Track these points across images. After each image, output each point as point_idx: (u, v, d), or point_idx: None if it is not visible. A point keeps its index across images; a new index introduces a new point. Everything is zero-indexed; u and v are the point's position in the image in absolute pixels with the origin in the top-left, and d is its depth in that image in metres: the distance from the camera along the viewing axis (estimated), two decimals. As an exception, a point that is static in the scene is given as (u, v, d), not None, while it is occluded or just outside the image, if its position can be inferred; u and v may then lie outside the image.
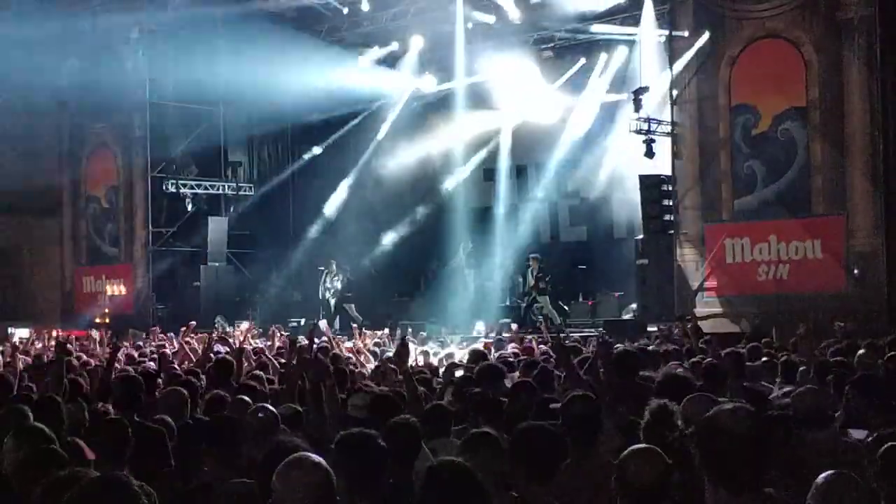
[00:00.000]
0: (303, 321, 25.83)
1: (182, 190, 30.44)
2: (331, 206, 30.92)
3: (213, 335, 16.59)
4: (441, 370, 12.54)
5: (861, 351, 11.28)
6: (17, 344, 17.59)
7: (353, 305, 27.97)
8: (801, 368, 10.11)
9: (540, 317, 24.63)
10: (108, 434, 6.56)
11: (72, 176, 33.63)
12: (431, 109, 30.91)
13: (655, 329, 19.99)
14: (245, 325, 23.82)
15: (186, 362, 13.60)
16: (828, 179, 21.57)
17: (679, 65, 23.38)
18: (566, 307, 26.49)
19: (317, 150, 32.04)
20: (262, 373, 11.12)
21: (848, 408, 7.83)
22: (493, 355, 13.76)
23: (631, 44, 26.16)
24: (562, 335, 15.61)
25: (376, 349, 16.47)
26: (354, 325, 20.84)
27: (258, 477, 5.10)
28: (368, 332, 20.01)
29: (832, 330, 15.43)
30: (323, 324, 21.93)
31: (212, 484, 6.07)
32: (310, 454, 4.39)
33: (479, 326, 24.11)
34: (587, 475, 5.99)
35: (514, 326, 22.96)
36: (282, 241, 31.71)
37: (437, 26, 28.51)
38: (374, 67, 29.99)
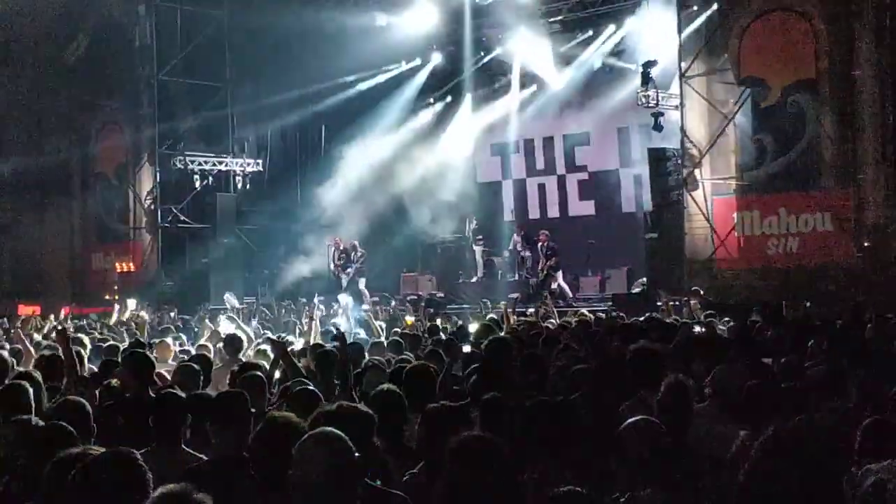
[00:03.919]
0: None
1: (190, 166, 30.39)
2: (338, 182, 30.82)
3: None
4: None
5: (870, 325, 11.25)
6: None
7: (363, 279, 28.01)
8: (812, 341, 10.07)
9: (546, 292, 24.61)
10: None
11: (81, 153, 33.64)
12: (439, 83, 30.82)
13: (661, 304, 19.97)
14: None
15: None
16: (837, 152, 21.46)
17: (688, 37, 23.25)
18: (576, 282, 26.50)
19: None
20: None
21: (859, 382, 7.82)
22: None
23: (639, 16, 26.00)
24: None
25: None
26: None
27: (252, 450, 5.09)
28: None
29: (842, 302, 15.43)
30: (343, 297, 22.04)
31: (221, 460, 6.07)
32: (331, 429, 4.39)
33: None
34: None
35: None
36: (290, 216, 31.70)
37: (444, 1, 28.46)
38: (384, 41, 29.80)
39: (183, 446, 6.42)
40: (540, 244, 25.89)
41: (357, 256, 28.17)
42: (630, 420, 5.18)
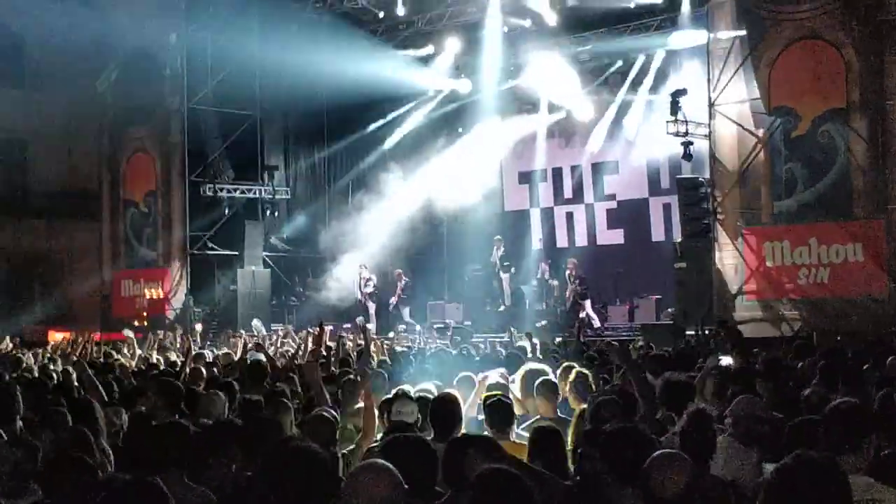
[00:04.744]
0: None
1: (219, 194, 30.56)
2: (366, 210, 30.88)
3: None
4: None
5: (891, 357, 11.10)
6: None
7: (407, 309, 28.11)
8: (842, 374, 9.94)
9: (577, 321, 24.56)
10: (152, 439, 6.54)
11: (110, 180, 33.88)
12: (467, 112, 30.89)
13: (693, 333, 19.85)
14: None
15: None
16: (868, 182, 21.30)
17: (717, 66, 23.19)
18: (604, 311, 26.41)
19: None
20: (294, 375, 11.12)
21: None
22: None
23: (669, 46, 26.04)
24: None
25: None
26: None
27: (264, 473, 5.05)
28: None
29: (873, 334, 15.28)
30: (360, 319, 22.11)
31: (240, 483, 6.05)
32: (381, 461, 4.39)
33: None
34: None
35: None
36: (318, 244, 31.83)
37: (472, 30, 28.60)
38: (412, 71, 29.96)
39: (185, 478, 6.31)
40: (568, 272, 25.85)
41: (402, 285, 28.25)
42: (657, 454, 5.10)
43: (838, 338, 13.72)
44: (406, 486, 4.28)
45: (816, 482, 3.80)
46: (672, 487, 4.82)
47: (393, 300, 28.28)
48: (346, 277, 29.64)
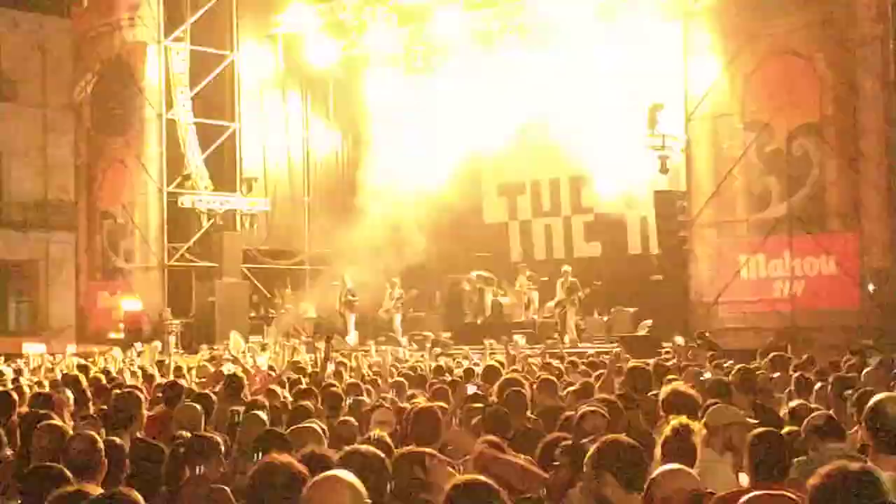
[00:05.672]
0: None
1: (197, 205, 30.48)
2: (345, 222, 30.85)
3: None
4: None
5: (868, 368, 11.26)
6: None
7: (399, 316, 28.13)
8: (818, 385, 10.06)
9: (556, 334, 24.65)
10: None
11: (87, 191, 33.76)
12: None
13: (669, 345, 19.96)
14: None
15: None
16: (842, 196, 21.49)
17: (693, 81, 23.36)
18: (581, 322, 26.47)
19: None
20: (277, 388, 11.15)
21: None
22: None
23: (646, 60, 26.14)
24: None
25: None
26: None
27: (250, 493, 5.07)
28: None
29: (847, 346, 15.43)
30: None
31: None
32: (341, 472, 4.38)
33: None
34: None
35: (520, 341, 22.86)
36: (297, 256, 31.79)
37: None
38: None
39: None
40: (561, 280, 25.83)
41: (395, 294, 28.25)
42: (664, 468, 5.16)
43: (811, 350, 13.86)
44: (367, 499, 4.26)
45: (856, 493, 3.88)
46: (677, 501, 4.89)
47: (388, 309, 28.30)
48: (326, 288, 29.59)
